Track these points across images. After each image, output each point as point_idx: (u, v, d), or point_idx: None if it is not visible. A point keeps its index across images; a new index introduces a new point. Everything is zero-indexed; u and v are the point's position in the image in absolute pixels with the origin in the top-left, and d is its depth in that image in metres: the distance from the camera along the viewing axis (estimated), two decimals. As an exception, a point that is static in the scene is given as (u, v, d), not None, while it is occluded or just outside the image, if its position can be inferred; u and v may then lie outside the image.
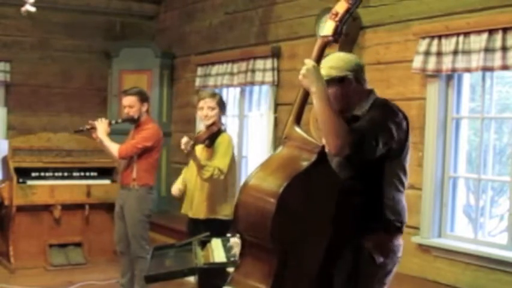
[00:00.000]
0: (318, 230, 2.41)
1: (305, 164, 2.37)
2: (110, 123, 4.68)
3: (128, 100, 4.67)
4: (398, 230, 2.55)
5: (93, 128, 4.65)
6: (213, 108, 4.21)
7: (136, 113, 4.67)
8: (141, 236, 4.70)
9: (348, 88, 2.53)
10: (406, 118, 2.53)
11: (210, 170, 4.05)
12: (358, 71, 2.57)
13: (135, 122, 4.72)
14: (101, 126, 4.63)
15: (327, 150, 2.38)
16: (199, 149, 4.23)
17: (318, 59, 2.46)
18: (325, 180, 2.44)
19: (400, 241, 2.57)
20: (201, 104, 4.26)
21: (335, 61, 2.57)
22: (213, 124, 4.16)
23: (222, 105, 4.25)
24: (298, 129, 2.44)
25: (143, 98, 4.71)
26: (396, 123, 2.44)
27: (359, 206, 2.46)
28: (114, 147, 4.62)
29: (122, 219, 4.76)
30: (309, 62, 2.42)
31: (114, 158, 4.74)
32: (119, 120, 4.80)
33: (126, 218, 4.71)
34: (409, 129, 2.53)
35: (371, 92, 2.60)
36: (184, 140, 3.99)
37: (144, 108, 4.71)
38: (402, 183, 2.56)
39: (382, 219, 2.50)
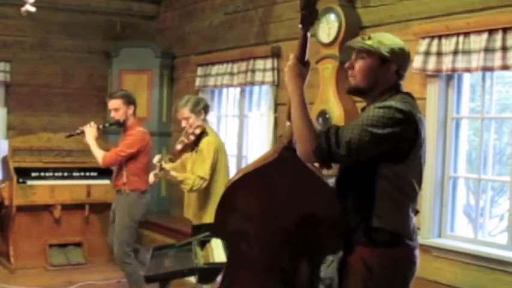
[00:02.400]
0: (274, 231, 2.29)
1: (266, 162, 2.33)
2: (98, 128, 4.73)
3: (113, 103, 4.68)
4: (394, 243, 2.26)
5: (83, 132, 4.70)
6: (187, 118, 4.18)
7: (122, 116, 4.67)
8: (126, 242, 4.68)
9: (382, 69, 2.32)
10: (413, 123, 2.24)
11: (189, 182, 4.02)
12: (402, 65, 2.36)
13: (122, 125, 4.73)
14: (90, 131, 4.68)
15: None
16: (189, 156, 4.21)
17: (301, 53, 2.35)
18: (289, 181, 2.30)
19: (401, 253, 2.28)
20: (178, 117, 4.25)
21: (391, 41, 2.34)
22: (192, 133, 4.11)
23: (196, 109, 4.18)
24: (287, 127, 2.37)
25: (129, 100, 4.70)
26: (387, 130, 2.16)
27: (345, 209, 2.28)
28: (99, 155, 4.66)
29: (114, 223, 4.79)
30: (291, 59, 2.35)
31: (100, 164, 4.76)
32: (106, 125, 4.83)
33: (116, 223, 4.72)
34: (417, 137, 2.25)
35: (399, 91, 2.34)
36: (155, 159, 4.02)
37: (130, 111, 4.71)
38: (403, 193, 2.28)
39: (367, 228, 2.25)
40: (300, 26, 2.36)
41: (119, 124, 4.72)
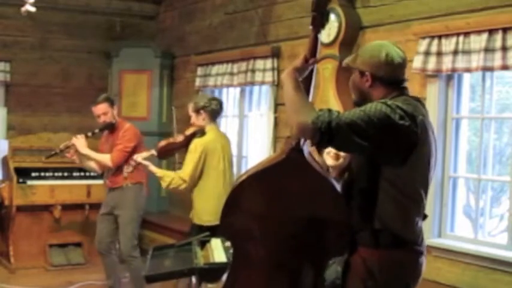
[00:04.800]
0: (280, 232, 2.30)
1: (273, 162, 2.35)
2: (86, 136, 4.77)
3: (101, 109, 4.76)
4: (396, 245, 2.24)
5: (68, 148, 4.73)
6: (190, 116, 4.29)
7: (111, 118, 4.78)
8: (134, 235, 4.75)
9: (362, 82, 2.35)
10: (412, 123, 2.21)
11: (167, 180, 4.10)
12: (380, 69, 2.31)
13: (112, 126, 4.81)
14: (80, 143, 4.72)
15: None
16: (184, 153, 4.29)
17: (311, 54, 2.39)
18: (296, 183, 2.30)
19: (403, 257, 2.27)
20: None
21: (367, 51, 2.36)
22: (183, 133, 4.29)
23: (195, 108, 4.25)
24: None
25: (112, 102, 4.84)
26: (385, 121, 2.18)
27: (350, 211, 2.29)
28: (105, 158, 4.73)
29: (107, 220, 4.80)
30: (298, 61, 2.38)
31: (105, 167, 4.80)
32: (96, 131, 4.84)
33: (121, 218, 4.74)
34: (416, 139, 2.22)
35: (403, 94, 2.34)
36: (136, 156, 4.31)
37: (116, 111, 4.86)
38: (407, 196, 2.26)
39: (370, 230, 2.25)
40: (311, 27, 2.38)
41: (111, 126, 4.79)
